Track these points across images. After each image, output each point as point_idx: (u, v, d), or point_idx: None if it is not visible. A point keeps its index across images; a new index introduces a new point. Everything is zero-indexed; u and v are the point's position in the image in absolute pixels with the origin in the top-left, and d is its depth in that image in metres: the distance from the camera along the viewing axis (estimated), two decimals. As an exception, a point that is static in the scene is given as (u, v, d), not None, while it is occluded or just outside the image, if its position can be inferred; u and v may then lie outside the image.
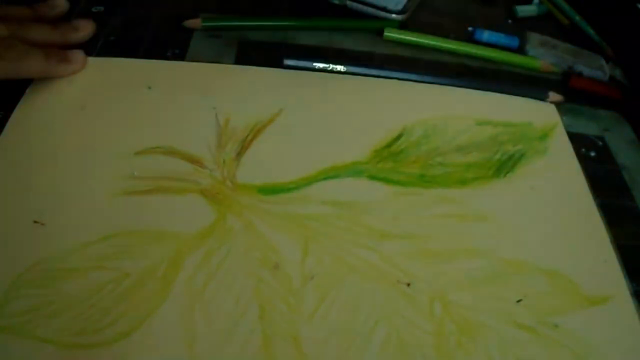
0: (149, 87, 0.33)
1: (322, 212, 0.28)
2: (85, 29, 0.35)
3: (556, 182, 0.31)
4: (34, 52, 0.31)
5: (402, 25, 0.41)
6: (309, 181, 0.29)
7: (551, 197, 0.31)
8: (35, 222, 0.26)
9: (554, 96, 0.36)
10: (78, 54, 0.33)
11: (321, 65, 0.35)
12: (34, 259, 0.25)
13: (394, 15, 0.41)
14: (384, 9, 0.40)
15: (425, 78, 0.36)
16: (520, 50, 0.40)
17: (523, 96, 0.36)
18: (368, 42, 0.39)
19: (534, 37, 0.41)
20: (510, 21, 0.44)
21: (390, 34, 0.39)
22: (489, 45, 0.40)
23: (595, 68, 0.39)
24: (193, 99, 0.32)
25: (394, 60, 0.38)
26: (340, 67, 0.35)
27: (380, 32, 0.40)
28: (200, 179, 0.29)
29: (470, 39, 0.41)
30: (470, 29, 0.41)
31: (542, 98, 0.36)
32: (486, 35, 0.41)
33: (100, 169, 0.28)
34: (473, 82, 0.37)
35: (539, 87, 0.37)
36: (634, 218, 0.31)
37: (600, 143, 0.35)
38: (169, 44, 0.36)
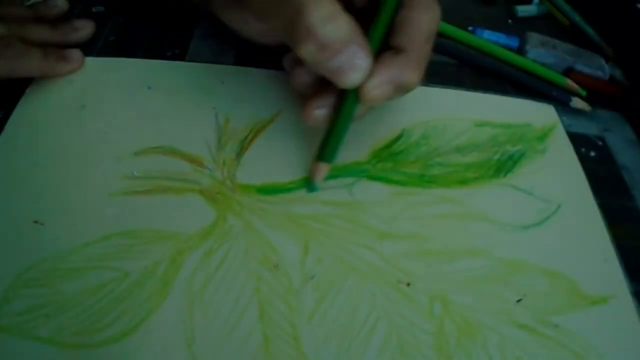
0: (149, 87, 0.33)
1: (322, 212, 0.28)
2: (84, 29, 0.35)
3: (556, 182, 0.31)
4: (32, 51, 0.31)
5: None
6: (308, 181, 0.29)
7: (551, 197, 0.31)
8: (35, 222, 0.26)
9: (578, 102, 0.36)
10: (76, 53, 0.33)
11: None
12: (34, 259, 0.25)
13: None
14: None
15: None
16: (520, 50, 0.40)
17: (548, 99, 0.37)
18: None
19: (534, 37, 0.41)
20: (510, 21, 0.44)
21: None
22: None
23: (595, 68, 0.39)
24: (193, 99, 0.32)
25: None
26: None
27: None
28: (200, 179, 0.29)
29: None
30: (470, 28, 0.41)
31: (567, 102, 0.36)
32: (486, 35, 0.41)
33: (101, 169, 0.28)
34: (496, 84, 0.37)
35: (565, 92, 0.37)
36: (634, 218, 0.31)
37: (600, 143, 0.35)
38: (169, 44, 0.36)
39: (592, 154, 0.34)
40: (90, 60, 0.34)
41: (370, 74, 0.25)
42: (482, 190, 0.31)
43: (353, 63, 0.24)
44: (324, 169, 0.28)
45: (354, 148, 0.31)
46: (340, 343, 0.24)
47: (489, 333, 0.25)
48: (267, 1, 0.25)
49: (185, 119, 0.31)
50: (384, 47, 0.26)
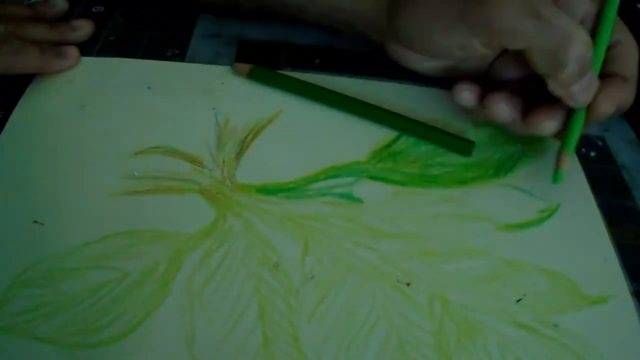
0: (149, 87, 0.33)
1: (322, 212, 0.28)
2: (83, 28, 0.35)
3: (556, 182, 0.31)
4: (29, 47, 0.31)
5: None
6: (308, 181, 0.29)
7: (551, 197, 0.31)
8: (35, 222, 0.26)
9: None
10: (73, 50, 0.33)
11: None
12: (33, 259, 0.25)
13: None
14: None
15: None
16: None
17: None
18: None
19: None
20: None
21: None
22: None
23: (595, 68, 0.39)
24: (193, 99, 0.32)
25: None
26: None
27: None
28: (200, 179, 0.29)
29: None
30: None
31: None
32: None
33: (100, 169, 0.28)
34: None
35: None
36: (634, 218, 0.31)
37: (600, 143, 0.35)
38: (169, 44, 0.36)
39: (592, 154, 0.34)
40: (90, 60, 0.34)
41: (602, 96, 0.29)
42: (481, 190, 0.31)
43: (590, 85, 0.28)
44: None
45: (354, 148, 0.31)
46: (340, 343, 0.24)
47: (489, 333, 0.25)
48: (524, 26, 0.27)
49: (185, 119, 0.31)
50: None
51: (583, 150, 0.34)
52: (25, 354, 0.22)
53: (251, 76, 0.34)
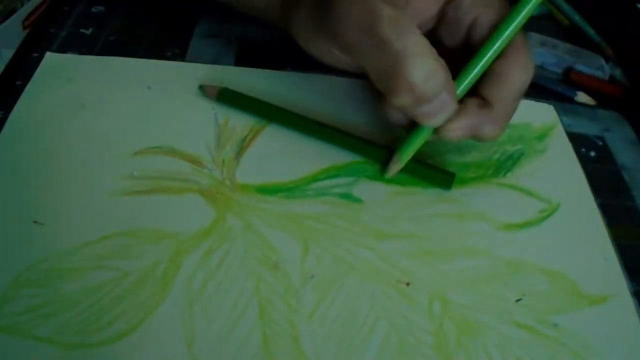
0: (149, 87, 0.33)
1: (322, 212, 0.28)
2: None
3: (556, 181, 0.31)
4: None
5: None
6: (308, 181, 0.29)
7: (551, 197, 0.31)
8: (35, 222, 0.26)
9: (582, 96, 0.37)
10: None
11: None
12: (33, 259, 0.25)
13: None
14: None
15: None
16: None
17: (552, 94, 0.37)
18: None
19: (534, 37, 0.41)
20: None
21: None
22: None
23: (595, 68, 0.39)
24: (193, 99, 0.32)
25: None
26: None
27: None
28: (200, 179, 0.29)
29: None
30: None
31: (572, 97, 0.37)
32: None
33: (100, 169, 0.28)
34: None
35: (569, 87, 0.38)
36: (634, 218, 0.31)
37: (600, 143, 0.35)
38: (169, 44, 0.36)
39: (592, 154, 0.34)
40: (90, 60, 0.34)
41: (452, 122, 0.26)
42: (481, 190, 0.31)
43: (441, 110, 0.25)
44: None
45: (354, 148, 0.31)
46: (340, 343, 0.24)
47: (488, 332, 0.25)
48: (362, 43, 0.25)
49: (185, 119, 0.31)
50: (470, 90, 0.27)
51: (583, 150, 0.34)
52: (25, 354, 0.22)
53: (220, 99, 0.32)
